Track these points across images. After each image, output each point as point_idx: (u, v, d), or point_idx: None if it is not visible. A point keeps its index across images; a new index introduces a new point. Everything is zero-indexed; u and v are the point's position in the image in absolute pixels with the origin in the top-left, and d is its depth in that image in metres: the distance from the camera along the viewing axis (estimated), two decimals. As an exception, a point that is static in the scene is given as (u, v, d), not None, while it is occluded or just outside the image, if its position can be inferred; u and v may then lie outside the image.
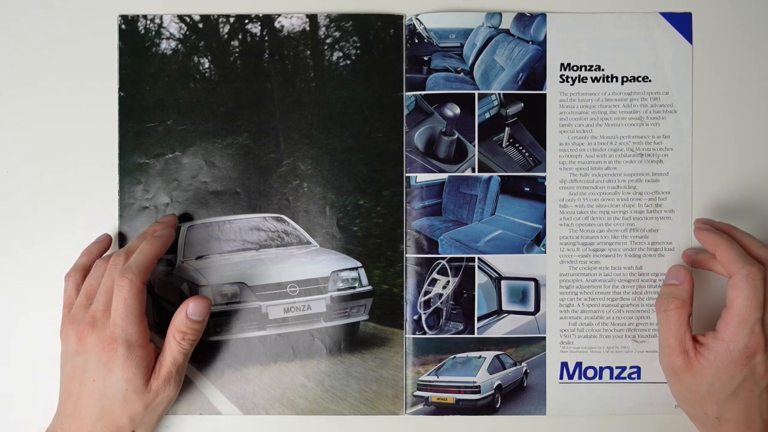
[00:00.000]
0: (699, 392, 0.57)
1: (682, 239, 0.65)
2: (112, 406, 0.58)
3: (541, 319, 0.66)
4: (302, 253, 0.66)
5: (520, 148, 0.66)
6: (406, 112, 0.66)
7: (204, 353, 0.65)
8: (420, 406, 0.65)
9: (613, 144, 0.66)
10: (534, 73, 0.66)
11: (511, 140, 0.66)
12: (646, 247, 0.65)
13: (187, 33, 0.66)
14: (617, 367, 0.65)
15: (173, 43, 0.66)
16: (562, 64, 0.66)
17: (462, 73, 0.66)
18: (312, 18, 0.66)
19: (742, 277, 0.55)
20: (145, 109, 0.66)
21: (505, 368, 0.65)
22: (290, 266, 0.66)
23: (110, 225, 0.66)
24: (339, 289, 0.66)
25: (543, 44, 0.66)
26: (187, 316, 0.60)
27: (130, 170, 0.66)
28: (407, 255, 0.66)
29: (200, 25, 0.66)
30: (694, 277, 0.61)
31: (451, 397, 0.65)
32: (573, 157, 0.66)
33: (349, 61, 0.66)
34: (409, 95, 0.66)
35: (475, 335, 0.66)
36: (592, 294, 0.65)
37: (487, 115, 0.66)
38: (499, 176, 0.66)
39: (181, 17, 0.66)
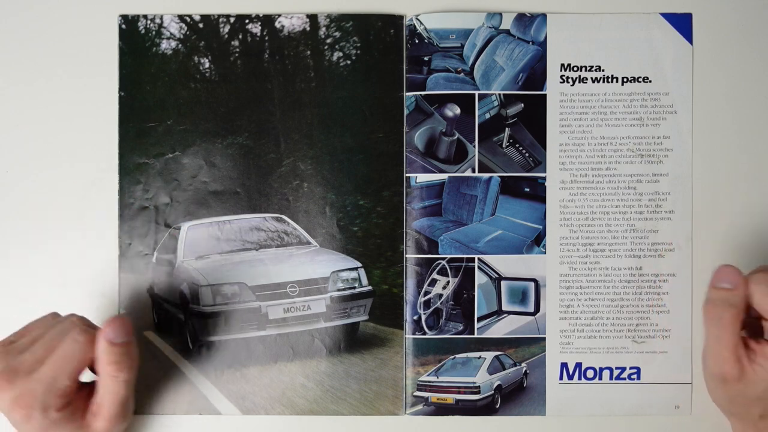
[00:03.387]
0: (748, 397, 0.55)
1: (683, 240, 0.65)
2: None
3: (541, 320, 0.66)
4: (302, 253, 0.66)
5: (521, 148, 0.66)
6: (406, 112, 0.66)
7: (204, 353, 0.65)
8: (420, 407, 0.65)
9: (614, 144, 0.66)
10: (534, 74, 0.66)
11: (511, 141, 0.66)
12: (646, 247, 0.65)
13: (188, 33, 0.66)
14: (617, 368, 0.65)
15: (173, 43, 0.66)
16: (562, 65, 0.66)
17: (462, 74, 0.66)
18: (312, 18, 0.66)
19: (759, 282, 0.54)
20: (145, 109, 0.66)
21: (504, 369, 0.65)
22: (290, 266, 0.66)
23: (110, 225, 0.66)
24: (339, 290, 0.66)
25: (543, 45, 0.66)
26: (109, 343, 0.54)
27: (130, 170, 0.66)
28: (407, 255, 0.66)
29: (200, 25, 0.66)
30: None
31: (450, 398, 0.65)
32: (573, 158, 0.66)
33: (349, 62, 0.66)
34: (409, 95, 0.66)
35: (475, 336, 0.66)
36: (592, 294, 0.65)
37: (488, 116, 0.66)
38: (499, 177, 0.66)
39: (181, 17, 0.66)
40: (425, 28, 0.66)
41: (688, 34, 0.66)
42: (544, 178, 0.66)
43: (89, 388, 0.56)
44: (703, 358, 0.58)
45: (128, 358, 0.55)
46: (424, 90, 0.66)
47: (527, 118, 0.66)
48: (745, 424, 0.58)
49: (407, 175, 0.66)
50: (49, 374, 0.52)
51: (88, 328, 0.55)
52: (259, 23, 0.66)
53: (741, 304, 0.54)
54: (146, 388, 0.64)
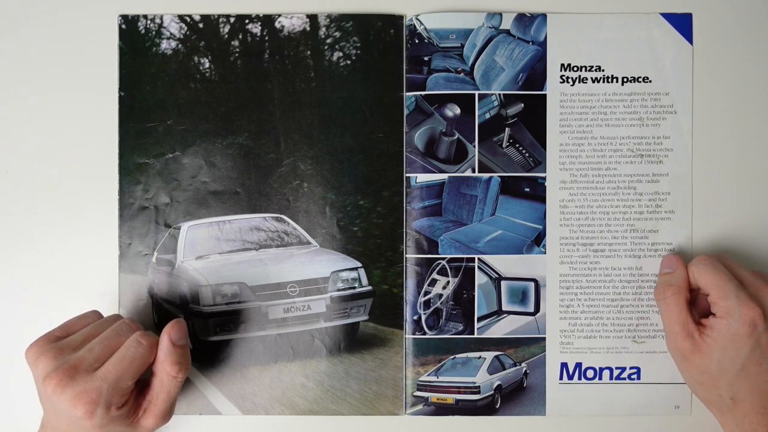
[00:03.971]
0: (710, 373, 0.58)
1: (682, 240, 0.65)
2: None
3: (540, 320, 0.66)
4: (302, 254, 0.66)
5: (521, 148, 0.66)
6: (406, 112, 0.66)
7: (204, 353, 0.65)
8: (420, 407, 0.65)
9: (614, 144, 0.66)
10: (534, 74, 0.66)
11: (511, 141, 0.66)
12: (646, 247, 0.65)
13: (188, 33, 0.66)
14: (617, 368, 0.65)
15: (173, 43, 0.66)
16: (562, 65, 0.66)
17: (462, 74, 0.66)
18: (312, 18, 0.66)
19: (695, 264, 0.60)
20: (145, 109, 0.66)
21: (504, 369, 0.65)
22: (290, 266, 0.66)
23: (110, 225, 0.66)
24: (339, 290, 0.66)
25: (543, 45, 0.66)
26: (174, 344, 0.58)
27: (130, 170, 0.66)
28: (407, 255, 0.66)
29: (200, 25, 0.66)
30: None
31: (450, 398, 0.65)
32: (573, 158, 0.66)
33: (349, 62, 0.66)
34: (409, 95, 0.66)
35: (475, 336, 0.66)
36: (592, 294, 0.65)
37: (488, 116, 0.66)
38: (499, 177, 0.66)
39: (181, 17, 0.66)
40: (425, 28, 0.66)
41: (688, 34, 0.66)
42: (544, 178, 0.66)
43: (139, 387, 0.58)
44: (666, 342, 0.62)
45: (187, 361, 0.59)
46: (424, 90, 0.66)
47: (527, 118, 0.66)
48: (723, 415, 0.59)
49: (407, 175, 0.66)
50: (114, 374, 0.55)
51: (148, 332, 0.58)
52: (259, 23, 0.66)
53: (681, 283, 0.60)
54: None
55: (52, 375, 0.54)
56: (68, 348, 0.56)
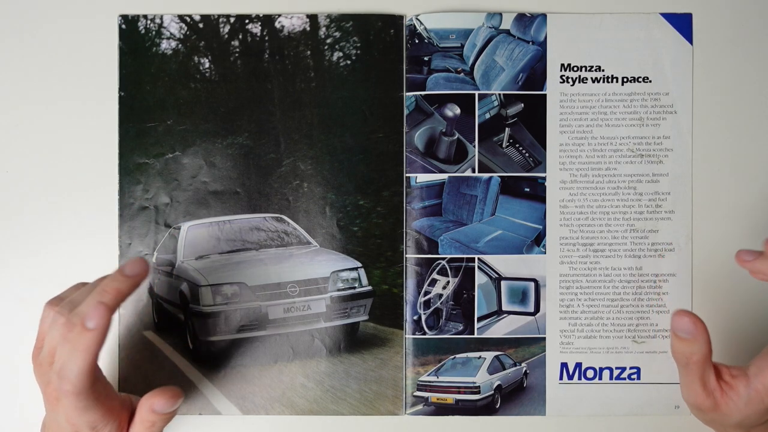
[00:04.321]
0: (726, 424, 0.55)
1: (683, 240, 0.65)
2: None
3: (541, 320, 0.66)
4: (302, 253, 0.66)
5: (520, 148, 0.66)
6: (406, 112, 0.66)
7: (204, 353, 0.65)
8: (420, 407, 0.65)
9: (614, 144, 0.66)
10: (534, 74, 0.66)
11: (511, 141, 0.66)
12: (646, 247, 0.65)
13: (188, 33, 0.66)
14: (617, 368, 0.65)
15: (173, 43, 0.66)
16: (562, 65, 0.66)
17: (462, 74, 0.66)
18: (312, 18, 0.66)
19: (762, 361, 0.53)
20: (145, 109, 0.66)
21: (504, 369, 0.65)
22: (290, 266, 0.66)
23: (110, 225, 0.66)
24: (339, 290, 0.66)
25: (543, 45, 0.66)
26: (151, 410, 0.54)
27: (130, 170, 0.66)
28: (407, 255, 0.66)
29: (200, 25, 0.66)
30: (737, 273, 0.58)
31: (450, 398, 0.65)
32: (573, 158, 0.66)
33: (349, 61, 0.66)
34: (409, 95, 0.66)
35: (475, 336, 0.66)
36: (592, 294, 0.65)
37: (488, 116, 0.66)
38: (499, 177, 0.66)
39: (181, 17, 0.66)
40: (425, 28, 0.66)
41: (688, 34, 0.66)
42: (544, 178, 0.66)
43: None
44: (681, 388, 0.57)
45: (165, 422, 0.56)
46: (424, 90, 0.66)
47: (527, 118, 0.66)
48: None
49: (407, 175, 0.66)
50: (59, 364, 0.53)
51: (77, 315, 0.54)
52: (259, 23, 0.66)
53: (705, 350, 0.53)
54: (146, 388, 0.64)
55: (48, 399, 0.54)
56: (45, 363, 0.54)
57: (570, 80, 0.66)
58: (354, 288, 0.66)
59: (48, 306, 0.55)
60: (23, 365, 0.66)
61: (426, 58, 0.66)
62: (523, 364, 0.66)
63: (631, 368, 0.65)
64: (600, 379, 0.65)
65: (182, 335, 0.66)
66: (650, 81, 0.66)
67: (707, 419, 0.56)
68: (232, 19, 0.66)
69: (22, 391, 0.65)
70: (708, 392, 0.53)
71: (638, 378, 0.65)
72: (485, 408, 0.65)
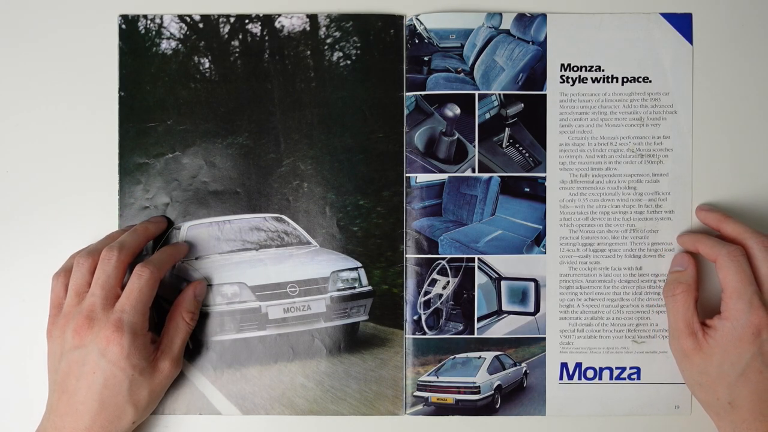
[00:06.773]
0: (710, 374, 0.58)
1: (682, 240, 0.65)
2: (115, 396, 0.58)
3: (541, 320, 0.66)
4: (302, 253, 0.66)
5: (520, 148, 0.66)
6: (406, 112, 0.66)
7: (204, 353, 0.65)
8: (420, 407, 0.65)
9: (614, 144, 0.66)
10: (534, 74, 0.66)
11: (511, 141, 0.66)
12: (646, 247, 0.65)
13: (188, 33, 0.66)
14: (617, 368, 0.65)
15: (173, 43, 0.66)
16: (562, 65, 0.66)
17: (462, 74, 0.66)
18: (312, 18, 0.66)
19: (723, 257, 0.59)
20: (145, 109, 0.66)
21: (504, 369, 0.65)
22: (290, 266, 0.66)
23: (110, 225, 0.66)
24: (339, 290, 0.66)
25: (543, 45, 0.66)
26: (195, 297, 0.63)
27: (130, 170, 0.66)
28: (407, 255, 0.66)
29: (200, 25, 0.66)
30: (703, 268, 0.64)
31: (450, 398, 0.65)
32: (573, 158, 0.66)
33: (349, 61, 0.66)
34: (409, 95, 0.66)
35: (475, 336, 0.66)
36: (592, 294, 0.65)
37: (488, 116, 0.66)
38: (499, 177, 0.66)
39: (181, 17, 0.66)
40: (425, 28, 0.66)
41: (688, 34, 0.66)
42: (544, 178, 0.66)
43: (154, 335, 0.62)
44: (669, 340, 0.63)
45: (198, 311, 0.64)
46: (424, 90, 0.66)
47: (527, 118, 0.66)
48: (721, 419, 0.59)
49: (407, 175, 0.66)
50: (129, 304, 0.59)
51: (144, 258, 0.63)
52: (259, 23, 0.66)
53: (691, 281, 0.61)
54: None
55: (76, 329, 0.58)
56: (72, 306, 0.59)
57: (570, 80, 0.66)
58: (354, 288, 0.66)
59: (74, 257, 0.62)
60: (25, 364, 0.66)
61: (426, 58, 0.66)
62: (523, 364, 0.66)
63: (631, 368, 0.65)
64: (600, 379, 0.65)
65: (182, 335, 0.66)
66: (650, 81, 0.66)
67: (693, 373, 0.60)
68: (232, 19, 0.66)
69: (23, 388, 0.65)
70: (691, 330, 0.59)
71: (638, 378, 0.65)
72: (485, 408, 0.65)
